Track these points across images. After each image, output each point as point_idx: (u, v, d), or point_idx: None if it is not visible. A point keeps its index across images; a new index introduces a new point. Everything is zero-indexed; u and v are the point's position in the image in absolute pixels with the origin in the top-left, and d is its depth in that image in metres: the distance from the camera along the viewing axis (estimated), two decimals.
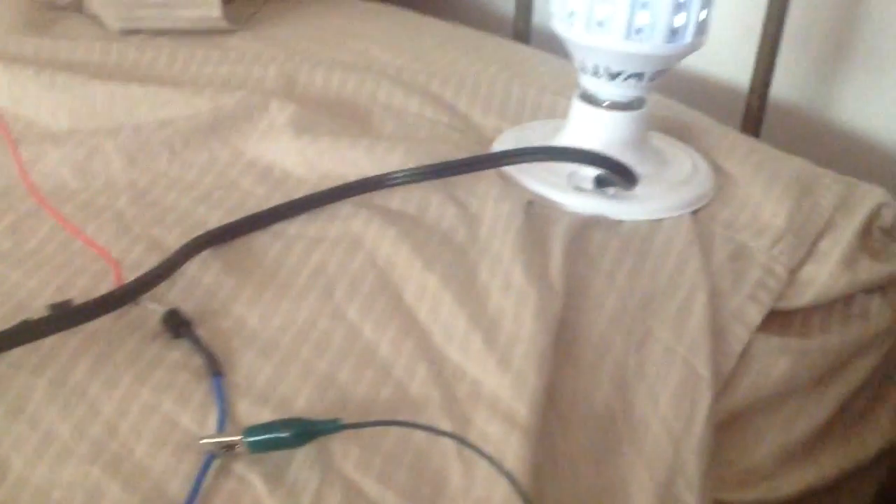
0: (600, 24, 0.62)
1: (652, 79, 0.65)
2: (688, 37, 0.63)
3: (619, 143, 0.67)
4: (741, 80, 0.91)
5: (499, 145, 0.72)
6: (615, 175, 0.63)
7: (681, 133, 0.75)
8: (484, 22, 1.18)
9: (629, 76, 0.65)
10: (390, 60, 0.83)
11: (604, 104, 0.67)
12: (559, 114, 0.75)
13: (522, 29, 1.03)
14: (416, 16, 0.96)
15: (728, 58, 0.97)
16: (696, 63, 0.99)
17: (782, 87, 0.95)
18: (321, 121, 0.70)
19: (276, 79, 0.77)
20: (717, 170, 0.71)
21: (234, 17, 0.88)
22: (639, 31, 0.62)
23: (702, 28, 0.64)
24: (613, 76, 0.65)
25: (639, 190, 0.65)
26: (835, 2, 0.91)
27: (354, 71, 0.79)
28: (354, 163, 0.66)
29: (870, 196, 0.69)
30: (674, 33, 0.62)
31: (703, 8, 0.63)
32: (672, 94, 0.83)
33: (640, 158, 0.68)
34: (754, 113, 0.91)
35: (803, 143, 0.97)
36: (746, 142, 0.76)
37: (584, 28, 0.63)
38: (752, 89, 0.90)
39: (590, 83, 0.67)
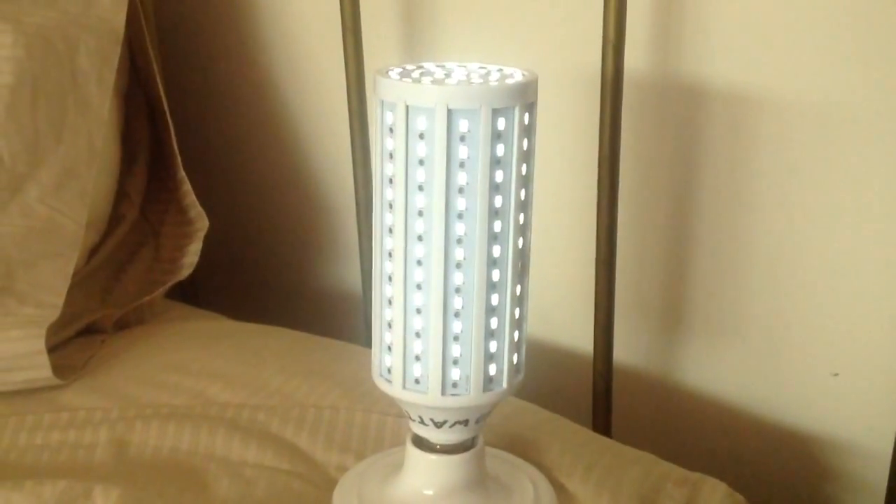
0: (417, 381, 0.63)
1: (479, 422, 0.65)
2: (504, 383, 0.63)
3: (456, 487, 0.66)
4: (587, 348, 0.92)
5: (340, 493, 0.70)
6: None
7: (524, 447, 0.75)
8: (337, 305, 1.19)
9: (455, 423, 0.65)
10: (228, 399, 0.82)
11: (436, 447, 0.66)
12: (402, 438, 0.74)
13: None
14: (257, 334, 0.95)
15: (572, 327, 0.99)
16: (545, 334, 1.01)
17: (628, 353, 0.97)
18: (149, 500, 0.67)
19: (107, 446, 0.75)
20: (561, 490, 0.70)
21: (67, 367, 0.86)
22: (454, 384, 0.62)
23: (517, 369, 0.65)
24: (439, 424, 0.65)
25: None
26: (663, 280, 0.94)
27: (190, 420, 0.78)
28: None
29: (713, 498, 0.69)
30: (489, 381, 0.63)
31: (513, 353, 0.64)
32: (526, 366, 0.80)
33: (482, 498, 0.67)
34: (602, 381, 0.92)
35: (654, 408, 0.99)
36: (591, 447, 0.76)
37: (401, 386, 0.63)
38: (596, 357, 0.91)
39: (418, 429, 0.66)
